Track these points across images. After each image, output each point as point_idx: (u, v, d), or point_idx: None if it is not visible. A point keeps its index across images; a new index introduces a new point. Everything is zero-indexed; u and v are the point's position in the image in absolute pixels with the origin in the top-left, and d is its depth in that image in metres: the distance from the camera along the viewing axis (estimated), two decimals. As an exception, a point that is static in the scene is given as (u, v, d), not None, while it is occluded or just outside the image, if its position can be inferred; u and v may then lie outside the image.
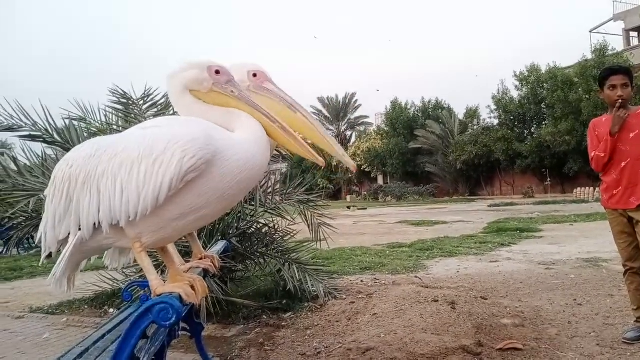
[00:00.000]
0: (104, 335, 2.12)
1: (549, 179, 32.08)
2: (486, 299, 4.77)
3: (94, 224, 1.74)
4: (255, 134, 1.82)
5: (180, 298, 1.66)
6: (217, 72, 1.88)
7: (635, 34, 33.65)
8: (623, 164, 3.55)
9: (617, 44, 32.64)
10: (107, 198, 1.69)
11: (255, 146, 1.79)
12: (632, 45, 32.99)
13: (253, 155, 1.77)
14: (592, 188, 25.89)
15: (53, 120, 4.56)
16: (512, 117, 34.43)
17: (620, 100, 3.50)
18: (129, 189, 1.65)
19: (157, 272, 3.37)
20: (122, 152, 1.69)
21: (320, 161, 1.91)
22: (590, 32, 34.65)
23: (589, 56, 29.65)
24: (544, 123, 32.71)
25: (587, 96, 27.12)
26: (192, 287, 1.81)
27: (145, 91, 4.91)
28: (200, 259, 2.39)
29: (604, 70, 3.76)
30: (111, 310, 5.07)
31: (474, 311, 4.21)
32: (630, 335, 3.50)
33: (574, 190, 27.58)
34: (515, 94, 34.84)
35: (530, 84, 33.33)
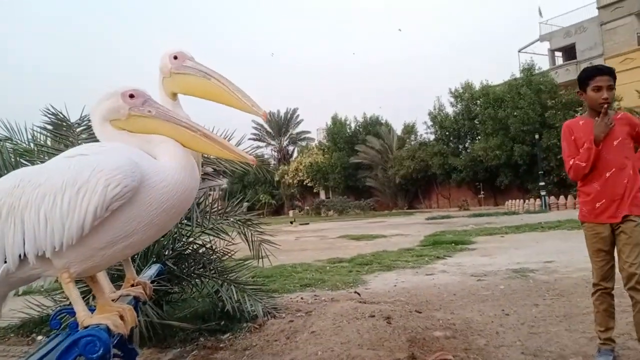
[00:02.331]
0: (29, 367, 2.05)
1: (482, 192, 33.48)
2: (420, 312, 4.94)
3: (20, 255, 1.71)
4: (181, 159, 1.81)
5: (108, 329, 1.64)
6: (132, 95, 1.87)
7: (559, 53, 35.97)
8: (607, 174, 3.24)
9: (543, 64, 34.91)
10: (31, 229, 1.66)
11: (183, 172, 1.79)
12: (557, 64, 35.30)
13: (180, 181, 1.77)
14: (522, 200, 27.29)
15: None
16: (447, 133, 35.77)
17: (605, 105, 3.20)
18: (53, 219, 1.63)
19: (88, 298, 3.28)
20: (45, 182, 1.67)
21: (250, 159, 1.92)
22: (519, 51, 36.79)
23: (518, 75, 31.47)
24: (477, 138, 34.19)
25: (515, 113, 28.65)
26: (121, 317, 1.79)
27: (81, 117, 4.75)
28: (133, 285, 2.36)
29: (588, 69, 3.39)
30: (39, 337, 4.84)
31: (408, 325, 4.35)
32: None
33: (506, 203, 28.93)
34: (450, 110, 36.37)
35: (464, 101, 34.86)
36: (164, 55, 2.15)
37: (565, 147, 3.42)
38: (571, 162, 3.33)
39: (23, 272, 1.76)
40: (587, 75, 3.30)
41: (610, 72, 3.28)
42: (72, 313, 2.15)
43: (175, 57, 2.13)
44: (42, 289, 4.76)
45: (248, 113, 2.05)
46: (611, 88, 3.25)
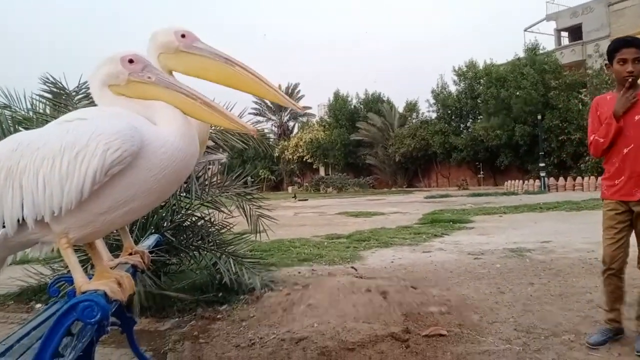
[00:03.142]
0: (29, 332, 2.07)
1: (481, 172, 33.48)
2: (416, 288, 4.97)
3: (18, 219, 1.70)
4: (181, 126, 1.80)
5: (105, 295, 1.66)
6: (131, 61, 1.84)
7: (565, 34, 35.53)
8: (625, 151, 3.12)
9: (549, 43, 34.53)
10: (29, 193, 1.65)
11: (182, 138, 1.78)
12: (562, 44, 34.91)
13: (180, 147, 1.76)
14: (521, 181, 27.33)
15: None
16: (449, 112, 35.58)
17: (630, 78, 3.07)
18: (52, 183, 1.63)
19: (86, 267, 3.31)
20: (44, 145, 1.66)
21: (251, 129, 1.90)
22: (525, 31, 36.33)
23: (522, 54, 31.17)
24: (479, 117, 34.04)
25: (518, 93, 28.41)
26: (119, 283, 1.80)
27: (79, 85, 4.72)
28: (131, 254, 2.38)
29: (615, 41, 3.25)
30: (38, 305, 4.89)
31: (403, 300, 4.39)
32: (595, 340, 3.28)
33: (505, 183, 28.99)
34: (453, 88, 36.13)
35: (467, 80, 34.59)
36: (168, 31, 2.07)
37: (590, 123, 3.35)
38: (592, 138, 3.26)
39: (22, 236, 1.77)
40: (614, 47, 3.19)
41: (638, 44, 3.12)
42: (71, 281, 2.17)
43: (183, 36, 2.06)
44: (42, 258, 4.81)
45: (281, 104, 2.07)
46: (638, 61, 3.09)
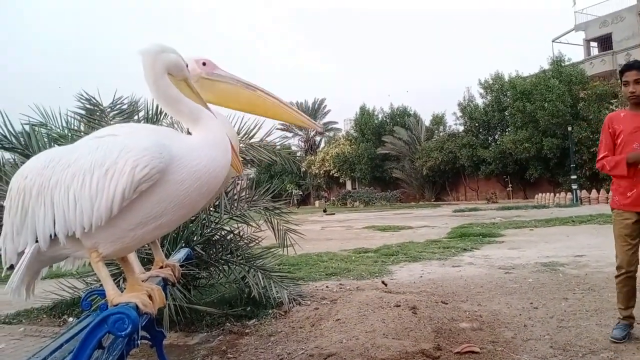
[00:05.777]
0: (61, 345, 2.10)
1: (510, 185, 32.86)
2: (447, 304, 4.89)
3: (50, 235, 1.73)
4: (216, 136, 1.82)
5: (136, 308, 1.67)
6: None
7: (595, 44, 34.88)
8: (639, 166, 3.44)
9: (578, 54, 33.92)
10: (60, 209, 1.68)
11: (215, 149, 1.79)
12: (592, 55, 34.26)
13: (212, 159, 1.77)
14: (552, 194, 26.70)
15: (12, 126, 4.46)
16: (477, 124, 35.15)
17: (632, 97, 3.47)
18: (82, 199, 1.65)
19: (119, 280, 3.36)
20: (74, 162, 1.69)
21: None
22: (553, 41, 35.82)
23: (546, 66, 30.67)
24: (507, 130, 33.54)
25: (545, 105, 27.83)
26: (150, 296, 1.81)
27: (113, 100, 4.85)
28: (161, 267, 2.40)
29: (623, 66, 3.63)
30: (70, 319, 4.97)
31: (434, 315, 4.31)
32: (618, 334, 3.53)
33: (535, 196, 28.36)
34: (480, 101, 35.74)
35: (494, 92, 34.19)
36: (189, 60, 2.12)
37: (602, 139, 3.65)
38: (602, 159, 3.60)
39: (54, 250, 1.80)
40: (620, 71, 3.61)
41: (638, 67, 3.50)
42: (103, 294, 2.20)
43: (204, 64, 2.15)
44: (75, 272, 4.90)
45: (302, 126, 2.17)
46: (639, 82, 3.46)
